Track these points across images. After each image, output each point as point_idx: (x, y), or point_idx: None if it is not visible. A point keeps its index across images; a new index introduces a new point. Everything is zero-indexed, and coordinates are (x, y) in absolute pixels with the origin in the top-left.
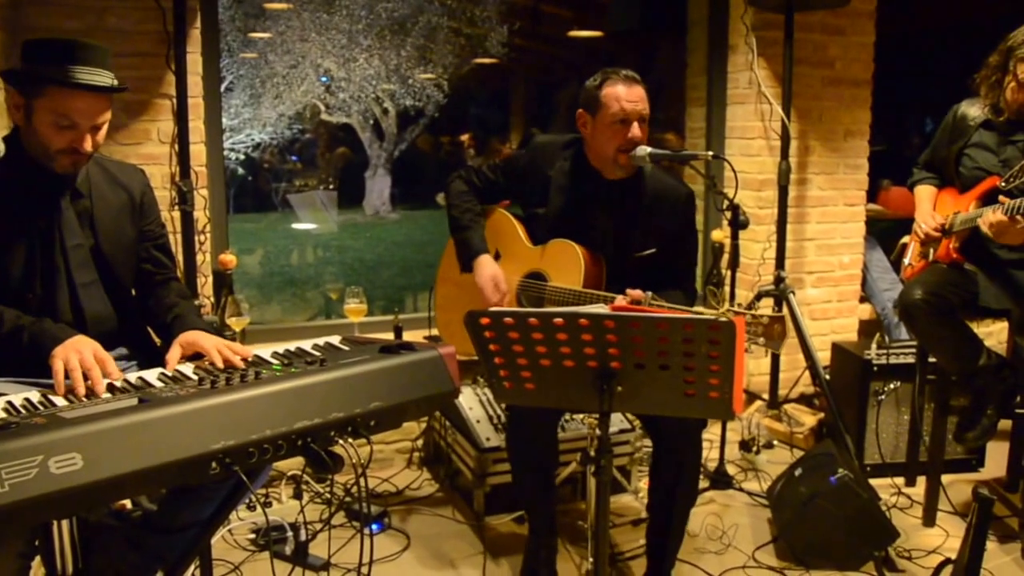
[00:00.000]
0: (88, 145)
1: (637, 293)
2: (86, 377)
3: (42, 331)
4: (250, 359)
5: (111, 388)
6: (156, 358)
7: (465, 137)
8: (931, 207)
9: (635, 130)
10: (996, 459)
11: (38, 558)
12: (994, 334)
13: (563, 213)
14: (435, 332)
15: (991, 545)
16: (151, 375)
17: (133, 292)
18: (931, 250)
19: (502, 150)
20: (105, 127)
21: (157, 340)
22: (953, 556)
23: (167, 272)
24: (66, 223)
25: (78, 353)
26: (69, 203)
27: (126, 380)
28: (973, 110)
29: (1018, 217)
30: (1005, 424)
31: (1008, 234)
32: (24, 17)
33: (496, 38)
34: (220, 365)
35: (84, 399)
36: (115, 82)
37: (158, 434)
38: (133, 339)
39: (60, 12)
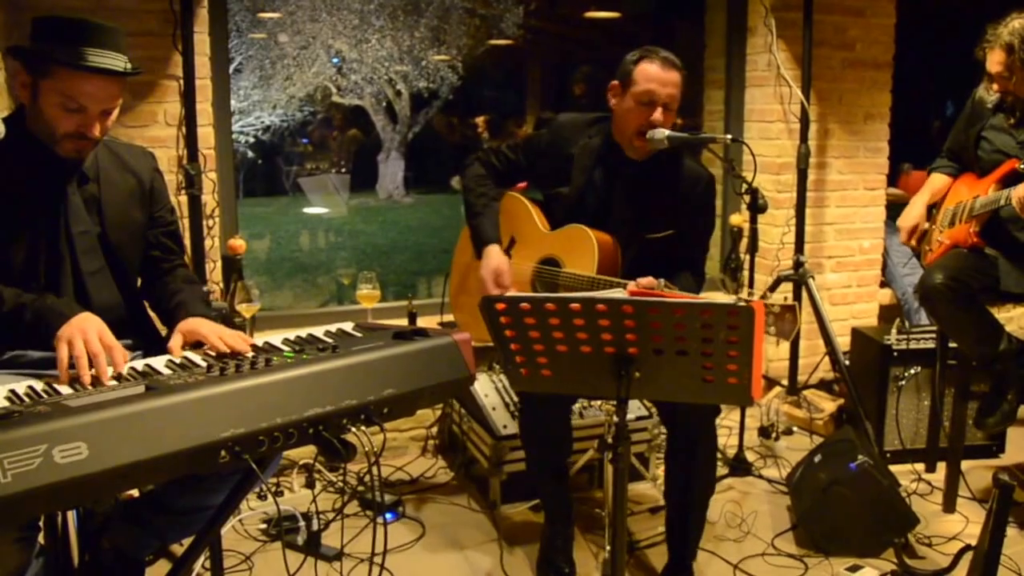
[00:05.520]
0: (96, 131)
1: (649, 280)
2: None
3: (46, 308)
4: (248, 351)
5: (117, 376)
6: (162, 348)
7: (480, 120)
8: (923, 200)
9: (657, 114)
10: (1016, 445)
11: None
12: (1015, 319)
13: (585, 191)
14: (450, 318)
15: (1012, 531)
16: (158, 362)
17: (139, 280)
18: (927, 248)
19: (517, 133)
20: (115, 112)
21: (162, 329)
22: (973, 542)
23: (175, 259)
24: (72, 209)
25: (83, 335)
26: (76, 188)
27: (132, 368)
28: (990, 94)
29: None
30: None
31: None
32: None
33: (511, 19)
34: (222, 350)
35: (89, 387)
36: (128, 66)
37: (165, 422)
38: (139, 329)
39: None
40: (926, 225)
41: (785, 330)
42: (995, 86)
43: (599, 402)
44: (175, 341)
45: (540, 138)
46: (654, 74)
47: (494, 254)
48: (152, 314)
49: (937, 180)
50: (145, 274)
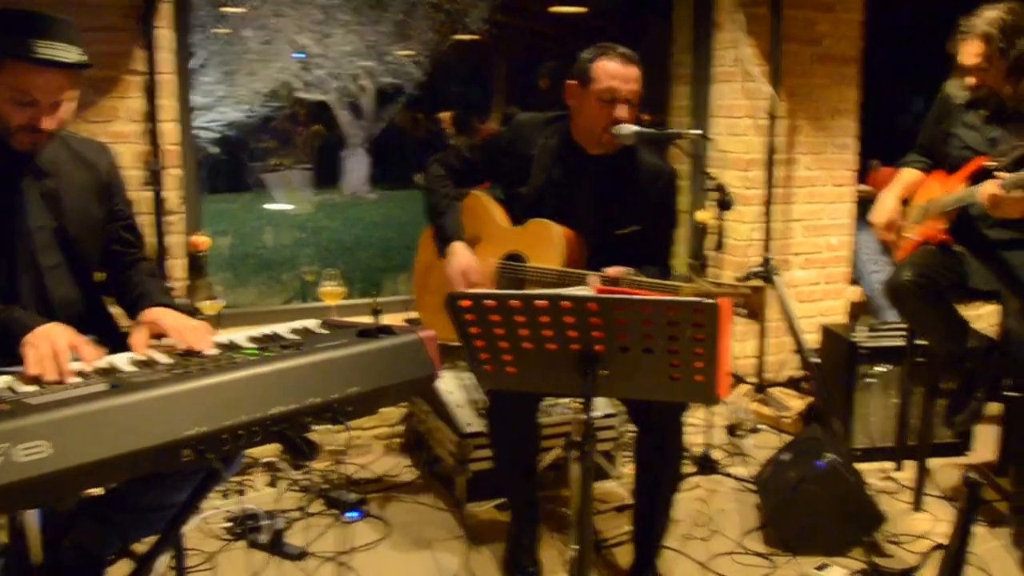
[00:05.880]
0: (48, 123)
1: (616, 270)
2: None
3: (12, 319)
4: (212, 344)
5: (81, 373)
6: (124, 345)
7: (445, 115)
8: (895, 194)
9: (620, 111)
10: (985, 443)
11: None
12: (983, 316)
13: (544, 190)
14: (415, 315)
15: (980, 530)
16: (122, 360)
17: (101, 275)
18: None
19: (482, 129)
20: (71, 104)
21: (125, 323)
22: (942, 541)
23: (136, 252)
24: (29, 203)
25: (49, 339)
26: (32, 182)
27: (96, 365)
28: (959, 90)
29: (1015, 192)
30: (994, 407)
31: (1002, 206)
32: None
33: (477, 14)
34: (182, 346)
35: (52, 385)
36: (83, 58)
37: (129, 420)
38: (99, 325)
39: None
40: (900, 219)
41: (755, 310)
42: (970, 79)
43: (566, 399)
44: (138, 336)
45: (500, 138)
46: (615, 71)
47: (460, 251)
48: (113, 310)
49: (908, 175)
50: (107, 269)
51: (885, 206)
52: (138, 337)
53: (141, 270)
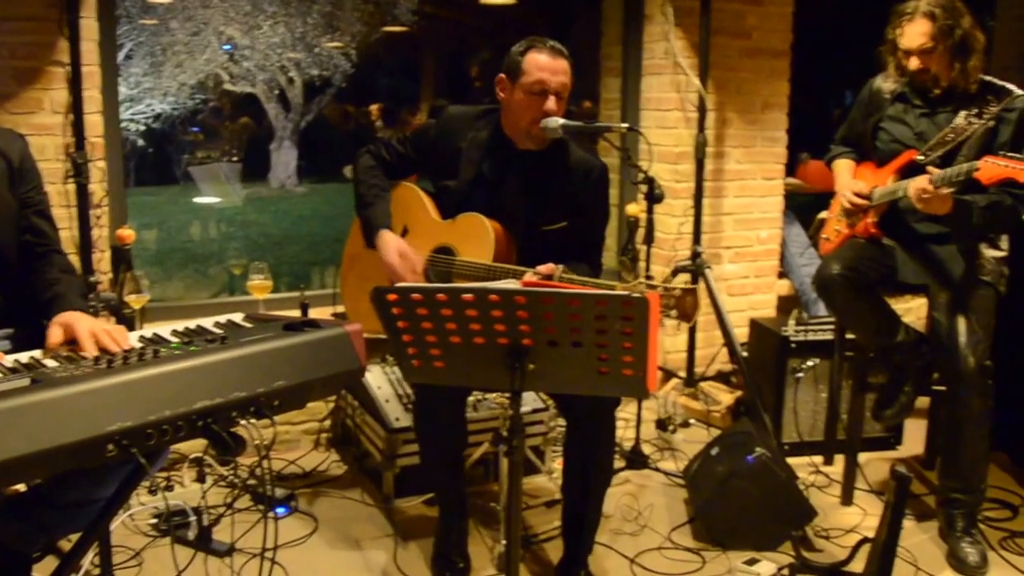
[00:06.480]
0: None
1: (548, 267)
2: None
3: None
4: (126, 348)
5: (1, 367)
6: (44, 337)
7: (374, 108)
8: (851, 177)
9: (550, 103)
10: (914, 437)
11: None
12: (913, 310)
13: (474, 184)
14: (342, 309)
15: (909, 523)
16: (44, 354)
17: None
18: (855, 222)
19: (411, 121)
20: None
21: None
22: (871, 535)
23: (49, 243)
24: None
25: None
26: None
27: (17, 360)
28: (888, 83)
29: (944, 189)
30: (923, 401)
31: (931, 202)
32: None
33: (406, 6)
34: (93, 354)
35: None
36: None
37: (51, 416)
38: (20, 318)
39: None
40: (824, 213)
41: (687, 312)
42: (914, 63)
43: (494, 394)
44: (53, 336)
45: (429, 131)
46: (544, 63)
47: (390, 238)
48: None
49: (847, 164)
50: (20, 260)
51: (852, 181)
52: (54, 339)
53: (54, 264)
